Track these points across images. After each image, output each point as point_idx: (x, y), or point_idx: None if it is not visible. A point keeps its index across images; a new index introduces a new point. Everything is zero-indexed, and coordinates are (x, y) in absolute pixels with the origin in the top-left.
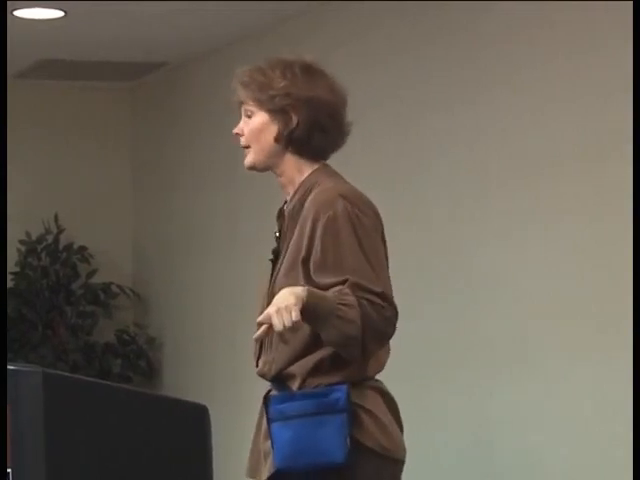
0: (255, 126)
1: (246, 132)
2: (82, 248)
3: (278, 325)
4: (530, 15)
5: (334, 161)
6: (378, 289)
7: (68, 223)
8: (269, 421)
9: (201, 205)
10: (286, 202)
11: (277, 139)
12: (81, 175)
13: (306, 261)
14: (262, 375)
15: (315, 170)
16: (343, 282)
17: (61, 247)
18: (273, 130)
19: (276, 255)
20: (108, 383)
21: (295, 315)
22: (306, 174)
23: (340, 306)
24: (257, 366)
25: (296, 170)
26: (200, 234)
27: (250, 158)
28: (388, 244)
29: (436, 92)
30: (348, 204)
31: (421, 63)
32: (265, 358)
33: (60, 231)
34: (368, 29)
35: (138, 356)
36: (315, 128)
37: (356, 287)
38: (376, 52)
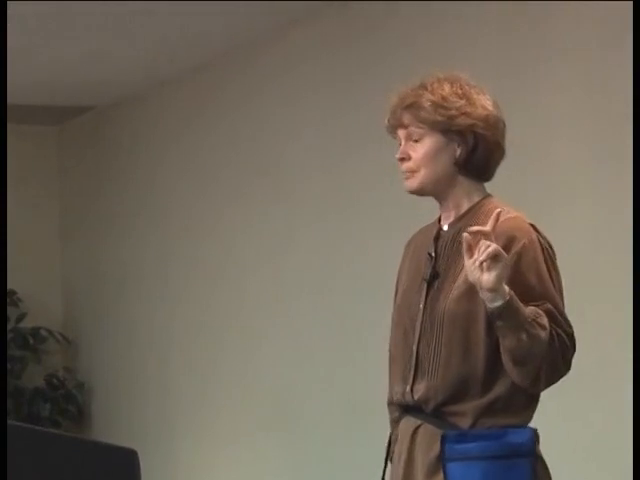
0: (429, 149)
1: (416, 156)
2: (11, 292)
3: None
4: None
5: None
6: (570, 329)
7: None
8: (444, 460)
9: (131, 249)
10: (440, 222)
11: (456, 162)
12: (9, 219)
13: None
14: (421, 402)
15: (486, 197)
16: (536, 306)
17: None
18: (450, 153)
19: (433, 276)
20: (36, 427)
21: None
22: (475, 199)
23: (534, 322)
24: (411, 391)
25: (465, 194)
26: (130, 278)
27: (417, 182)
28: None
29: None
30: (540, 236)
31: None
32: (428, 383)
33: None
34: (281, 78)
35: (67, 400)
36: (495, 149)
37: (550, 315)
38: (305, 89)
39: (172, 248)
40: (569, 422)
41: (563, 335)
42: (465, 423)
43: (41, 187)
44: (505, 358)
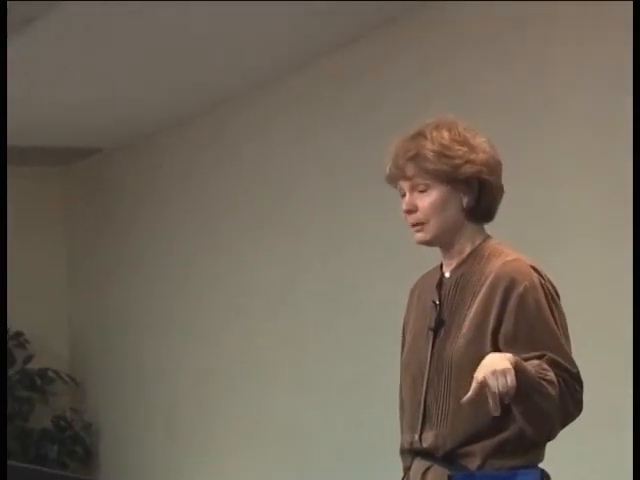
0: (436, 200)
1: (423, 207)
2: (18, 334)
3: (495, 387)
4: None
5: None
6: (574, 370)
7: None
8: None
9: (137, 290)
10: (442, 268)
11: (463, 210)
12: (16, 261)
13: (495, 332)
14: (431, 450)
15: (486, 239)
16: (538, 357)
17: None
18: (457, 201)
19: (438, 324)
20: (43, 469)
21: (511, 380)
22: (477, 242)
23: (542, 382)
24: (420, 440)
25: (469, 239)
26: (137, 319)
27: (428, 234)
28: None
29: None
30: (540, 277)
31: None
32: (437, 431)
33: None
34: (287, 118)
35: (75, 442)
36: (497, 191)
37: (554, 364)
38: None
39: (178, 289)
40: (575, 462)
41: (569, 379)
42: (474, 464)
43: (47, 229)
44: (518, 419)
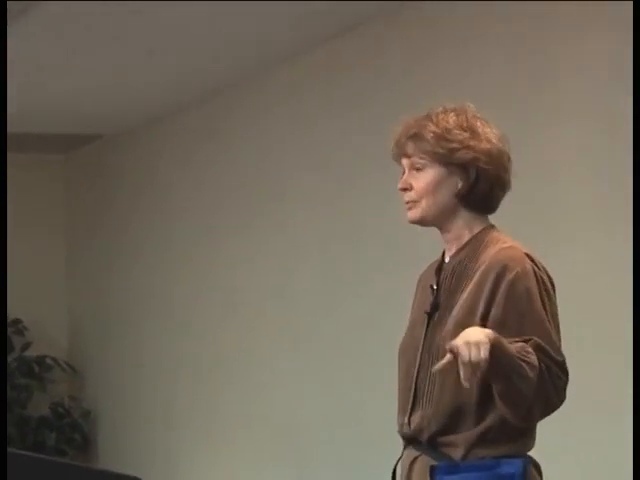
0: (431, 180)
1: (417, 186)
2: (16, 321)
3: (466, 357)
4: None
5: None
6: (559, 358)
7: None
8: None
9: (136, 278)
10: (444, 255)
11: (456, 195)
12: (16, 248)
13: (485, 317)
14: (416, 432)
15: (486, 228)
16: (525, 341)
17: None
18: (452, 185)
19: (434, 308)
20: (41, 456)
21: (484, 352)
22: (476, 231)
23: (522, 363)
24: (408, 422)
25: (466, 227)
26: (136, 307)
27: (418, 213)
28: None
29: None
30: (534, 265)
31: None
32: (423, 412)
33: None
34: (284, 109)
35: (73, 429)
36: (496, 183)
37: (538, 349)
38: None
39: (177, 277)
40: (566, 452)
41: (553, 366)
42: (457, 454)
43: (47, 215)
44: (496, 398)
